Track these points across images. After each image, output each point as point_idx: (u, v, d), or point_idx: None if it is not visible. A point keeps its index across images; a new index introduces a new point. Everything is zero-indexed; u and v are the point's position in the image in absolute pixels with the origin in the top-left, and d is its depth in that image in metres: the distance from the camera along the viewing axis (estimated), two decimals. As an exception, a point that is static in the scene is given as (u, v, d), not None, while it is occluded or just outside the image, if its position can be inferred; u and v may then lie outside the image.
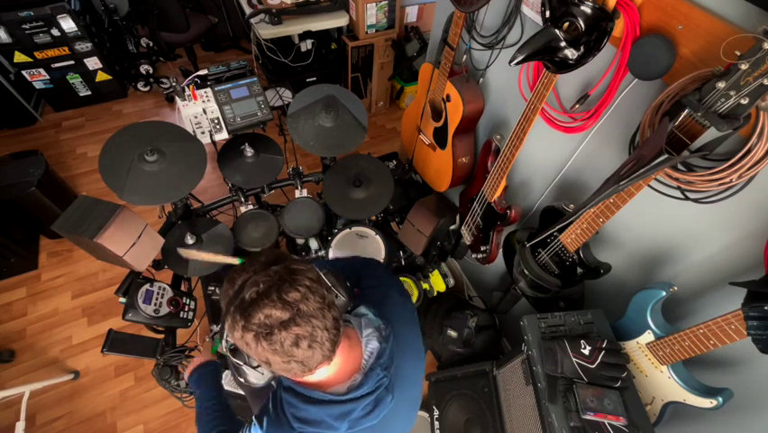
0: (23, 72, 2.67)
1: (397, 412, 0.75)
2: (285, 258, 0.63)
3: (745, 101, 0.65)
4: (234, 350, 0.73)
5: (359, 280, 0.91)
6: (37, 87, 2.80)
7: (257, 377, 0.76)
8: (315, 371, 0.62)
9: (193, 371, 1.03)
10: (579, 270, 1.15)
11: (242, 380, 0.77)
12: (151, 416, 1.87)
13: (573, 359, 1.03)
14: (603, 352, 1.03)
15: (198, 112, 1.51)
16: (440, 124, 1.61)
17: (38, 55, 2.61)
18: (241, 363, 0.72)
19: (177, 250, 1.31)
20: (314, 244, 1.75)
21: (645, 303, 0.99)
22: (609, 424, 0.96)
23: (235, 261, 1.38)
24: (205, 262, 1.37)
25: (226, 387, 1.11)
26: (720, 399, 0.89)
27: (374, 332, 0.73)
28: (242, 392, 1.24)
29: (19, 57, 2.57)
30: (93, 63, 2.84)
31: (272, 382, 0.79)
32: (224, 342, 0.76)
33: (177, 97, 1.48)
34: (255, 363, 0.72)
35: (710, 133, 0.71)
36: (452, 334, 1.73)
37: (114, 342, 1.24)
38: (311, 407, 0.66)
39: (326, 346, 0.60)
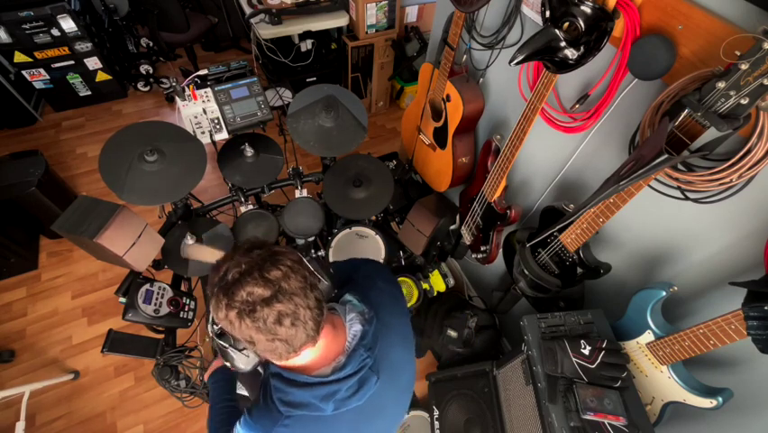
0: (23, 72, 2.66)
1: (384, 396, 0.76)
2: (267, 243, 0.65)
3: (745, 101, 0.65)
4: (221, 334, 0.74)
5: (357, 272, 0.91)
6: (37, 87, 2.80)
7: (243, 361, 0.77)
8: (300, 352, 0.63)
9: (212, 373, 1.04)
10: (579, 270, 1.15)
11: (228, 364, 0.78)
12: (151, 416, 1.87)
13: (573, 359, 1.03)
14: (603, 352, 1.03)
15: (198, 112, 1.51)
16: (440, 124, 1.61)
17: (38, 55, 2.61)
18: (227, 347, 0.73)
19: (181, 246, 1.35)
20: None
21: (645, 303, 0.99)
22: (609, 424, 0.96)
23: None
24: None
25: (238, 390, 1.13)
26: (720, 399, 0.89)
27: (357, 316, 0.74)
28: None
29: (19, 57, 2.57)
30: (93, 63, 2.84)
31: (259, 369, 0.80)
32: (209, 326, 0.77)
33: (177, 97, 1.48)
34: (241, 347, 0.74)
35: (710, 133, 0.71)
36: (452, 334, 1.73)
37: (114, 342, 1.24)
38: (297, 390, 0.67)
39: (310, 326, 0.61)
